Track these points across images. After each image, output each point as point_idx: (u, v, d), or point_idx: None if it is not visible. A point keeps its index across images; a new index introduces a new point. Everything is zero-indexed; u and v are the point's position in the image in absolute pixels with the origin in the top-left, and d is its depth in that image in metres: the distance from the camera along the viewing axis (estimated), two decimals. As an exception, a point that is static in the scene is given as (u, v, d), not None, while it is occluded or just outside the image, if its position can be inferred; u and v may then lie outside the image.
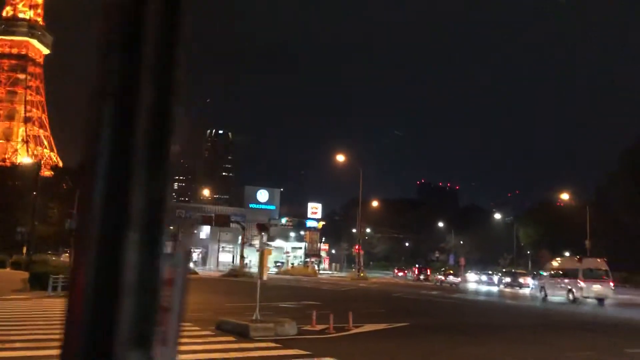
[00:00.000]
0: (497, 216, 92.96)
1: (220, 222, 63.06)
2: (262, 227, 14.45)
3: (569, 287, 30.45)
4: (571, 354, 12.42)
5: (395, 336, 14.27)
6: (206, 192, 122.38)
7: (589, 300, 29.58)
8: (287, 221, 79.62)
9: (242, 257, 51.42)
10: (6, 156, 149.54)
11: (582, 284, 29.53)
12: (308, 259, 67.43)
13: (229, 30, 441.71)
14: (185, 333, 12.77)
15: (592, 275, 29.97)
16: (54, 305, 18.58)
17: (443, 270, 60.06)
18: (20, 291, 23.64)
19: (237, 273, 46.95)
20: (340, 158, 53.43)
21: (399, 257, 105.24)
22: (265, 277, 14.38)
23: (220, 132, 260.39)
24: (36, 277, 24.58)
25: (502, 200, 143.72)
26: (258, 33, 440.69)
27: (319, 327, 14.39)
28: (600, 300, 29.50)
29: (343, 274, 65.08)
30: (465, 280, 56.13)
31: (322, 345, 12.01)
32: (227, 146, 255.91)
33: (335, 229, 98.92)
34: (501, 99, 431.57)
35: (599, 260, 32.25)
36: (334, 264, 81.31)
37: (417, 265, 67.54)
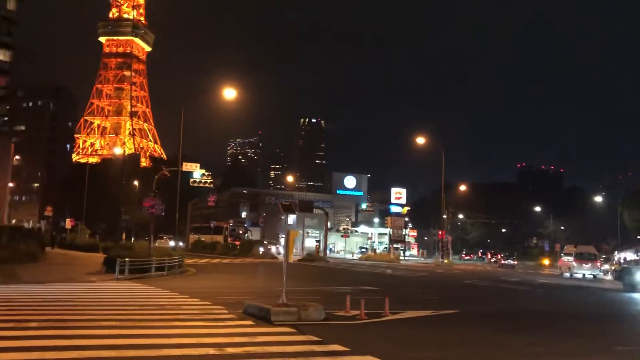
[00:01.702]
0: (598, 199, 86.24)
1: (303, 208, 63.45)
2: (287, 208, 13.91)
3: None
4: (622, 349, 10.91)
5: (432, 324, 13.30)
6: (290, 179, 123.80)
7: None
8: (367, 207, 78.76)
9: (317, 242, 51.22)
10: (116, 149, 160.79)
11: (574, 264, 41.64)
12: (391, 245, 66.23)
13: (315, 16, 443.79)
14: (209, 316, 12.64)
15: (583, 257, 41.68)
16: (102, 288, 19.28)
17: (503, 255, 67.70)
18: (94, 274, 24.80)
19: (313, 257, 46.97)
20: (421, 141, 51.58)
21: (495, 243, 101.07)
22: (291, 260, 13.82)
23: (314, 120, 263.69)
24: (109, 261, 25.66)
25: (610, 182, 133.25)
26: (337, 18, 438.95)
27: (353, 312, 13.71)
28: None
29: (429, 261, 63.40)
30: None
31: (339, 332, 11.36)
32: (320, 134, 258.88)
33: (425, 215, 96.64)
34: (614, 75, 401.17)
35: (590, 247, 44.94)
36: (421, 251, 79.49)
37: (491, 251, 75.40)
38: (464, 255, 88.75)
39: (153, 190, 30.76)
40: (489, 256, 74.61)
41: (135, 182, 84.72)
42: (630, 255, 45.17)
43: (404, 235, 68.17)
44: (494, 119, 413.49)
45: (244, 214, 79.57)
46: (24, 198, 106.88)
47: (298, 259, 47.01)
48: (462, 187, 76.06)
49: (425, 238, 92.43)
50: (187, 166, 43.30)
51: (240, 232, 59.15)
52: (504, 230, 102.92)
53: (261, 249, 48.60)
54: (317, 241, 56.66)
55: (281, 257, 50.23)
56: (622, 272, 31.76)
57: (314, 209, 70.44)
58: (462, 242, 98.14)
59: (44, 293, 16.49)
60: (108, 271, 25.02)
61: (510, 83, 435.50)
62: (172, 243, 68.59)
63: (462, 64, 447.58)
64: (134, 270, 24.29)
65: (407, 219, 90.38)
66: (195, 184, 45.53)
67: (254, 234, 75.18)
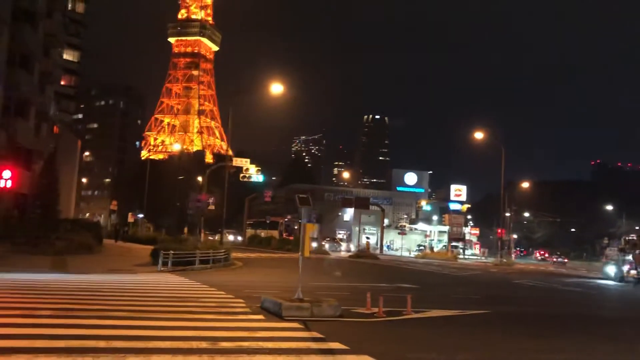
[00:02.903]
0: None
1: (360, 205, 63.08)
2: (303, 201, 13.56)
3: None
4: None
5: (451, 324, 12.64)
6: (346, 175, 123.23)
7: None
8: (425, 204, 77.17)
9: (367, 238, 50.61)
10: (184, 146, 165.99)
11: None
12: (449, 243, 64.61)
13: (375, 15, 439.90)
14: (223, 309, 12.57)
15: None
16: (138, 279, 19.68)
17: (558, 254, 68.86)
18: (141, 266, 25.51)
19: (362, 254, 46.44)
20: (479, 136, 49.87)
21: (563, 243, 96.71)
22: (307, 254, 13.49)
23: (377, 117, 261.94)
24: (156, 254, 26.27)
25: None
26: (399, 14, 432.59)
27: (373, 310, 13.28)
28: None
29: (490, 260, 61.36)
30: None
31: (348, 329, 10.99)
32: (384, 131, 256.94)
33: (489, 213, 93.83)
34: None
35: None
36: (483, 250, 77.17)
37: (541, 251, 76.10)
38: (537, 255, 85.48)
39: (200, 185, 31.21)
40: (538, 255, 72.61)
41: (199, 178, 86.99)
42: None
43: (464, 233, 66.33)
44: (560, 117, 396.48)
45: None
46: (96, 193, 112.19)
47: (348, 256, 46.73)
48: (525, 185, 72.98)
49: (491, 237, 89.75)
50: (237, 162, 43.84)
51: (295, 227, 59.44)
52: (573, 230, 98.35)
53: (314, 244, 48.56)
54: (367, 238, 56.13)
55: (333, 254, 50.39)
56: None
57: (371, 206, 69.92)
58: (529, 241, 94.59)
59: (78, 282, 17.00)
60: (154, 263, 25.62)
61: (583, 81, 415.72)
62: (231, 237, 70.01)
63: (528, 62, 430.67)
64: (179, 263, 24.77)
65: (469, 216, 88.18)
66: (246, 179, 45.96)
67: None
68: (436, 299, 17.72)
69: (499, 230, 53.02)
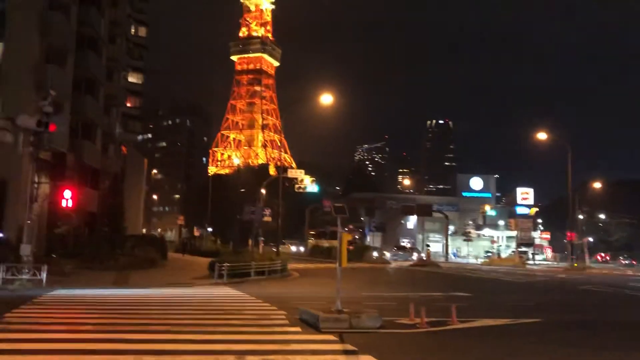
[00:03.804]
0: None
1: (422, 212, 61.93)
2: (339, 210, 13.37)
3: None
4: None
5: (501, 334, 12.06)
6: (407, 182, 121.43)
7: None
8: (490, 208, 74.73)
9: (427, 246, 49.45)
10: (249, 160, 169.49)
11: None
12: (516, 249, 62.23)
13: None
14: (262, 321, 12.59)
15: None
16: (191, 292, 20.04)
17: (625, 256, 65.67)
18: (199, 278, 26.07)
19: (423, 262, 45.46)
20: (543, 136, 47.97)
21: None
22: (345, 264, 13.28)
23: (441, 122, 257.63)
24: (212, 266, 26.79)
25: None
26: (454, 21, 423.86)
27: (415, 320, 12.91)
28: None
29: (563, 265, 58.63)
30: None
31: (384, 341, 10.70)
32: (449, 135, 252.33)
33: (561, 216, 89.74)
34: None
35: None
36: (554, 254, 73.84)
37: (601, 253, 72.89)
38: (621, 260, 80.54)
39: (256, 198, 31.66)
40: (598, 258, 69.14)
41: (263, 191, 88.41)
42: None
43: (534, 238, 63.77)
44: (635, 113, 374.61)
45: (362, 219, 79.61)
46: (167, 209, 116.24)
47: (409, 265, 45.91)
48: (598, 185, 69.37)
49: (564, 241, 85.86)
50: (292, 173, 44.16)
51: (356, 237, 59.16)
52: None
53: (375, 254, 48.14)
54: (427, 245, 54.94)
55: (394, 263, 49.67)
56: None
57: (435, 213, 68.51)
58: (605, 244, 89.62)
59: (133, 297, 17.55)
60: (211, 276, 26.14)
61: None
62: (293, 248, 70.59)
63: (593, 65, 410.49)
64: (234, 275, 25.18)
65: (539, 220, 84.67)
66: (301, 190, 46.20)
67: (375, 239, 74.92)
68: (488, 307, 17.03)
69: (569, 234, 50.59)
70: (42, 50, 30.69)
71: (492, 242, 70.01)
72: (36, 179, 22.58)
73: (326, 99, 31.94)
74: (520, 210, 66.35)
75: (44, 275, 20.28)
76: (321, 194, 64.37)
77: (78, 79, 35.74)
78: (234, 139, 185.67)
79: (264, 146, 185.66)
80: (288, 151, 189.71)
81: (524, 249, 62.19)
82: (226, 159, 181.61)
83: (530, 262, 59.19)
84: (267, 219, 42.31)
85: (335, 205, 13.45)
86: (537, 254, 66.85)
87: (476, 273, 38.06)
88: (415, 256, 57.39)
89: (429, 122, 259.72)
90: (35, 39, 30.09)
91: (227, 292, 20.08)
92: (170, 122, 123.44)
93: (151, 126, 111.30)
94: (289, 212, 74.07)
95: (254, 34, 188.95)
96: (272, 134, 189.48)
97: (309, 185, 45.41)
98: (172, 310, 14.39)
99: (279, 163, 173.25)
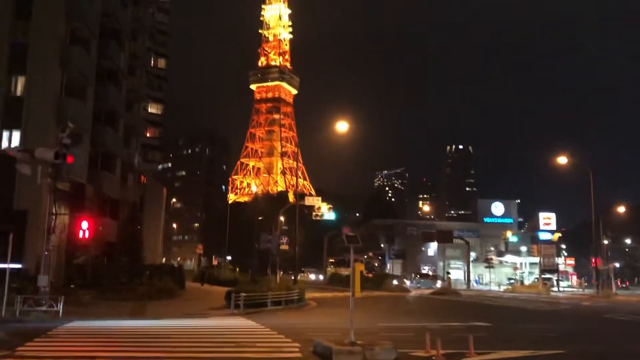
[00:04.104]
0: None
1: (442, 239, 61.23)
2: (351, 239, 13.20)
3: None
4: None
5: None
6: (426, 209, 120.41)
7: None
8: (511, 234, 73.50)
9: (448, 273, 48.66)
10: (269, 187, 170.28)
11: None
12: (539, 275, 60.92)
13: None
14: (275, 354, 12.38)
15: None
16: (206, 323, 19.84)
17: None
18: (216, 309, 25.86)
19: (444, 290, 44.64)
20: (563, 160, 47.35)
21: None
22: (358, 294, 13.04)
23: (461, 147, 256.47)
24: (228, 296, 26.55)
25: None
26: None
27: (432, 352, 12.57)
28: None
29: (588, 292, 57.19)
30: None
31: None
32: (468, 160, 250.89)
33: (586, 242, 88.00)
34: None
35: None
36: (579, 281, 72.13)
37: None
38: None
39: (274, 226, 31.56)
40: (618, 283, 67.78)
41: (282, 218, 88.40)
42: None
43: (557, 264, 62.45)
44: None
45: (382, 245, 78.96)
46: (186, 237, 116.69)
47: (430, 293, 45.13)
48: (622, 209, 68.00)
49: (590, 268, 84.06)
50: (309, 200, 44.04)
51: (376, 264, 58.56)
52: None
53: (395, 282, 47.49)
54: (447, 273, 54.09)
55: (414, 291, 48.89)
56: None
57: (455, 239, 67.71)
58: (632, 270, 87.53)
59: (147, 328, 17.43)
60: (228, 306, 25.89)
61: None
62: (312, 276, 70.03)
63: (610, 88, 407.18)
64: (251, 305, 24.90)
65: (562, 246, 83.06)
66: (318, 218, 46.03)
67: (395, 266, 74.10)
68: (508, 337, 16.55)
69: (593, 260, 49.45)
70: (62, 83, 31.33)
71: (515, 268, 68.72)
72: (55, 210, 22.82)
73: (342, 126, 31.97)
74: (542, 235, 65.16)
75: (60, 307, 20.31)
76: (339, 221, 64.10)
77: (98, 110, 36.40)
78: (254, 166, 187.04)
79: (283, 173, 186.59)
80: (307, 178, 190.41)
81: (547, 275, 60.88)
82: (245, 186, 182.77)
83: (555, 289, 57.85)
84: (284, 247, 42.13)
85: (348, 234, 13.29)
86: (562, 281, 65.39)
87: (497, 301, 37.24)
88: (439, 283, 56.45)
89: (448, 147, 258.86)
90: (56, 72, 30.75)
91: (242, 323, 19.87)
92: (189, 150, 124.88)
93: (171, 155, 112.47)
94: (308, 240, 73.82)
95: (273, 63, 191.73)
96: (291, 161, 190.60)
97: (326, 212, 45.23)
98: (185, 343, 14.25)
99: (297, 190, 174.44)
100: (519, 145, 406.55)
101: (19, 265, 26.64)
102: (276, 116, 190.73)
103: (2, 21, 30.13)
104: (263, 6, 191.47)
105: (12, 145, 28.96)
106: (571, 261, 76.97)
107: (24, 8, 30.48)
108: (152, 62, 58.12)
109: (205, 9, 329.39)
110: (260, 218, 66.54)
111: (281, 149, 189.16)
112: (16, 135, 29.75)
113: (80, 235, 22.22)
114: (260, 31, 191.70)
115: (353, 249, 13.93)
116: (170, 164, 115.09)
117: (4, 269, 20.51)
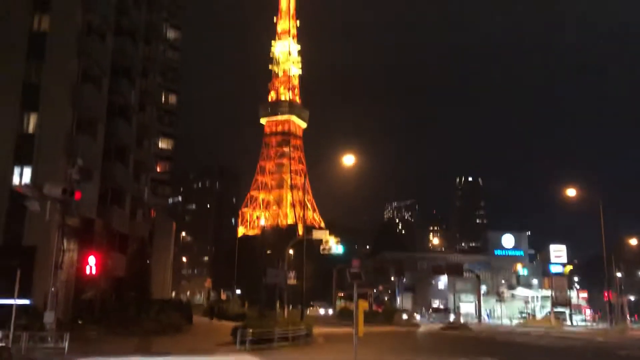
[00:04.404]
0: None
1: (452, 272, 60.68)
2: (354, 276, 13.21)
3: None
4: None
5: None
6: (436, 241, 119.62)
7: None
8: (522, 267, 72.66)
9: (457, 307, 47.99)
10: (278, 220, 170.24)
11: None
12: (551, 309, 59.99)
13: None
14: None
15: None
16: None
17: None
18: (222, 345, 25.70)
19: (454, 325, 44.02)
20: (572, 192, 47.11)
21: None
22: (361, 333, 12.98)
23: (470, 179, 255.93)
24: (235, 332, 26.34)
25: None
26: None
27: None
28: None
29: (602, 326, 56.15)
30: None
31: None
32: (478, 193, 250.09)
33: (599, 275, 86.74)
34: None
35: None
36: (593, 314, 70.86)
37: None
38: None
39: (281, 259, 31.52)
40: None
41: (291, 251, 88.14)
42: None
43: (570, 297, 61.50)
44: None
45: (392, 279, 78.33)
46: (196, 271, 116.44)
47: (439, 327, 44.53)
48: (633, 241, 67.19)
49: (604, 301, 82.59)
50: (316, 234, 44.00)
51: (386, 298, 58.01)
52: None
53: (405, 316, 46.96)
54: (457, 307, 53.38)
55: (424, 326, 48.24)
56: None
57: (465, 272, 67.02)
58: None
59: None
60: (234, 342, 25.69)
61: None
62: (322, 311, 69.41)
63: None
64: (257, 341, 24.69)
65: (575, 278, 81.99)
66: (326, 252, 45.92)
67: (405, 300, 73.30)
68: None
69: (606, 293, 48.70)
70: (73, 120, 31.94)
71: (526, 302, 67.72)
72: (63, 246, 22.98)
73: (348, 160, 32.15)
74: (554, 268, 64.35)
75: (66, 344, 20.30)
76: (348, 255, 63.78)
77: (108, 146, 36.92)
78: (263, 199, 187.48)
79: (293, 206, 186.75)
80: (317, 210, 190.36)
81: (560, 309, 59.93)
82: (255, 219, 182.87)
83: (567, 323, 56.87)
84: (292, 281, 41.90)
85: (351, 271, 13.33)
86: (575, 314, 64.31)
87: (508, 336, 36.68)
88: (452, 317, 55.79)
89: (457, 179, 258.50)
90: (67, 110, 31.39)
91: (247, 360, 19.74)
92: (200, 184, 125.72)
93: (181, 189, 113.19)
94: (317, 273, 73.35)
95: (282, 97, 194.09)
96: (301, 193, 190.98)
97: (334, 246, 45.11)
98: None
99: (307, 223, 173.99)
100: (530, 176, 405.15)
101: (27, 301, 26.77)
102: (286, 149, 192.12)
103: (16, 62, 30.96)
104: (273, 42, 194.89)
105: (23, 181, 29.41)
106: (584, 294, 75.80)
107: (37, 49, 31.34)
108: (163, 98, 59.02)
109: (216, 44, 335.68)
110: (268, 252, 66.31)
111: (291, 181, 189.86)
112: (27, 171, 30.25)
113: (88, 271, 22.30)
114: (270, 67, 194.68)
115: (361, 284, 13.94)
116: (180, 198, 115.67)
117: (12, 305, 20.60)
